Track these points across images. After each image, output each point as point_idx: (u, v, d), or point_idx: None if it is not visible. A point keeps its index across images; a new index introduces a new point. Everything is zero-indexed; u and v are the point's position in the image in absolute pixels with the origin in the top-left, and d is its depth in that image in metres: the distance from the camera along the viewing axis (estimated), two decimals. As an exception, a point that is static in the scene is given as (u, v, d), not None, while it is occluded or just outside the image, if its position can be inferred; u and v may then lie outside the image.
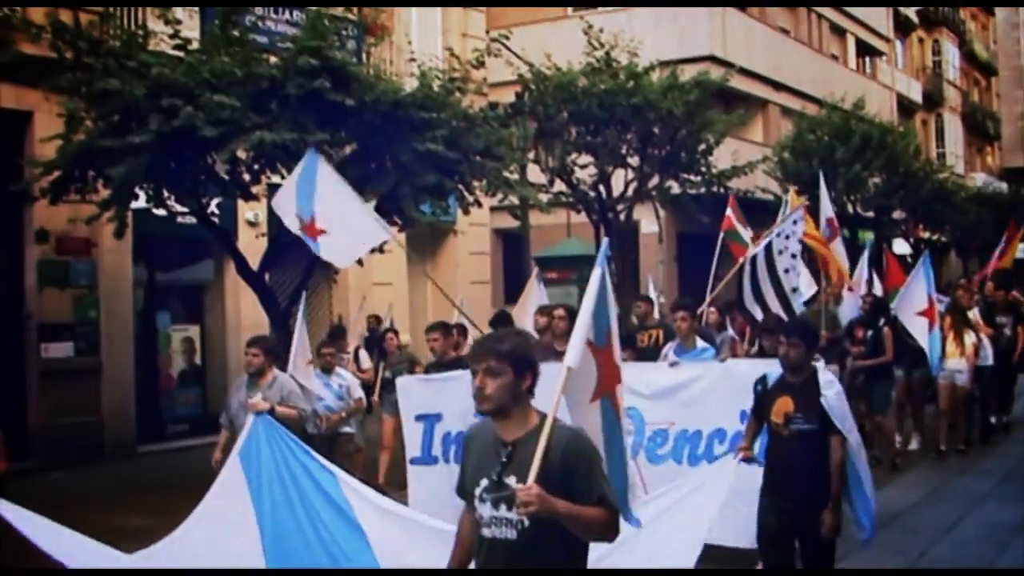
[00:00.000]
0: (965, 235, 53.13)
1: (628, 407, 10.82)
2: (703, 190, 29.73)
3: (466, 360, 12.93)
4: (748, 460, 9.77)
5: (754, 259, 17.14)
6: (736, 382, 11.55)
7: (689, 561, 8.43)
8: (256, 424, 10.07)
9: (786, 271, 16.62)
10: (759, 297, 17.26)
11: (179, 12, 18.28)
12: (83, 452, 20.56)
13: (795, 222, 17.08)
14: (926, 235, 52.69)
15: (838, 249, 21.69)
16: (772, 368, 10.04)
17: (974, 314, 21.44)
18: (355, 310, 24.22)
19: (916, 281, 18.92)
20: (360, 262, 20.34)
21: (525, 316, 19.25)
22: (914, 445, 20.42)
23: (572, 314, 12.86)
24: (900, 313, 18.70)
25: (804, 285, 19.39)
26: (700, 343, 14.04)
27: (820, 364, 9.97)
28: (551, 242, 35.35)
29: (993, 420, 22.19)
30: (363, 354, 20.87)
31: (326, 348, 16.74)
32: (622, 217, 29.14)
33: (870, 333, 19.19)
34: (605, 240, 8.18)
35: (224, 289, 24.55)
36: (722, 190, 30.51)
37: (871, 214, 42.55)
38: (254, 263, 18.68)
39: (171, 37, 17.01)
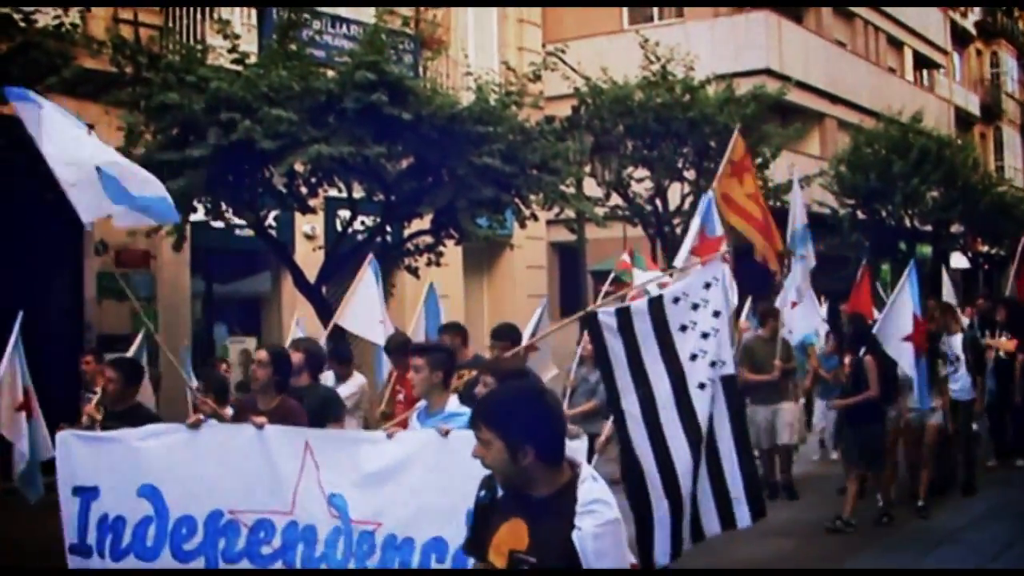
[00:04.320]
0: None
1: (333, 493, 8.59)
2: (759, 204, 29.64)
3: (147, 411, 10.99)
4: None
5: (627, 314, 9.35)
6: (461, 466, 6.98)
7: None
8: None
9: (693, 357, 9.36)
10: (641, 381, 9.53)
11: (237, 27, 18.44)
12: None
13: (707, 285, 9.52)
14: (985, 249, 52.30)
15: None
16: None
17: (956, 339, 17.70)
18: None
19: (900, 299, 15.57)
20: (417, 274, 20.40)
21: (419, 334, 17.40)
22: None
23: (277, 358, 10.22)
24: (883, 339, 15.38)
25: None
26: (452, 404, 9.13)
27: (587, 467, 5.21)
28: (607, 256, 35.23)
29: (990, 463, 19.17)
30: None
31: None
32: (678, 231, 29.10)
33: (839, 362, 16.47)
34: None
35: (281, 301, 24.67)
36: (779, 204, 30.45)
37: (929, 228, 42.30)
38: (311, 276, 18.78)
39: (229, 51, 17.17)
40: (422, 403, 9.33)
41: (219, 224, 19.10)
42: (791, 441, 17.54)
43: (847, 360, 15.87)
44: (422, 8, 26.97)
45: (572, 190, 21.20)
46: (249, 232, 19.63)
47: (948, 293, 24.49)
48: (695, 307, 9.33)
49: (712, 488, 9.37)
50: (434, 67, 25.72)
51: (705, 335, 9.31)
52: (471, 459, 6.55)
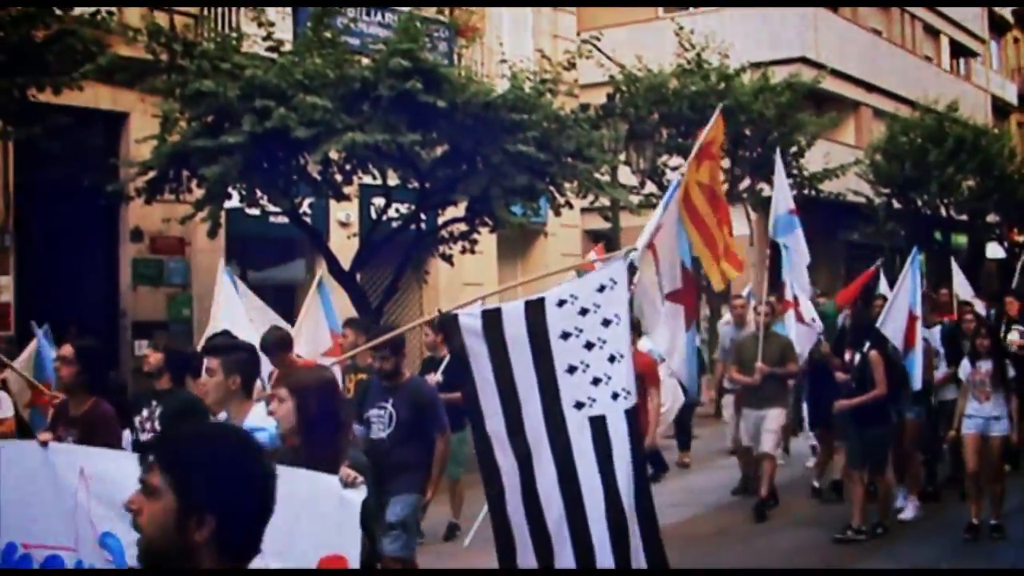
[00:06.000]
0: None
1: (106, 531, 7.09)
2: (794, 193, 29.55)
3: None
4: None
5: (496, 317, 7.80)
6: (316, 504, 6.15)
7: None
8: None
9: (571, 370, 7.70)
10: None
11: (272, 14, 18.46)
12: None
13: (601, 288, 7.85)
14: (1021, 239, 52.02)
15: (797, 251, 17.05)
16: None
17: (935, 332, 16.63)
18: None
19: (904, 289, 14.88)
20: (451, 261, 20.42)
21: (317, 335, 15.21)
22: (909, 514, 15.19)
23: (85, 354, 8.90)
24: (889, 332, 14.47)
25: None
26: (255, 416, 7.77)
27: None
28: (641, 244, 35.19)
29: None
30: (3, 397, 12.69)
31: None
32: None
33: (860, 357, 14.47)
34: None
35: (315, 288, 24.74)
36: (814, 193, 30.41)
37: (965, 217, 42.11)
38: (345, 263, 18.82)
39: (264, 39, 17.21)
40: (222, 415, 7.92)
41: (254, 211, 19.20)
42: (772, 450, 15.92)
43: (847, 357, 14.67)
44: None
45: (606, 178, 21.21)
46: (284, 219, 19.70)
47: (960, 285, 24.06)
48: (583, 312, 7.74)
49: (608, 523, 7.45)
50: (469, 55, 25.73)
51: (589, 345, 7.69)
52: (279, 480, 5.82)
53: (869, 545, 13.65)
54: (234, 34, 18.28)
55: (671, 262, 10.26)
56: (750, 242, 29.59)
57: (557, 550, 7.40)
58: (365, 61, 17.04)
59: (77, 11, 16.75)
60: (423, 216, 19.68)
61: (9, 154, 19.15)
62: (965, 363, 14.35)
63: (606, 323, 7.66)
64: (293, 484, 5.47)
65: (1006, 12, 62.58)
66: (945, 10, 51.95)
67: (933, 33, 52.43)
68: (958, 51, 55.97)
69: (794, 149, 29.02)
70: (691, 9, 39.57)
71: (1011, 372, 14.06)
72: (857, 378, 14.18)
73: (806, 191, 30.29)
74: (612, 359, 7.62)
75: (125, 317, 21.05)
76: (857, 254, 41.18)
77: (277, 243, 24.00)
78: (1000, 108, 60.28)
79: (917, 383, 14.86)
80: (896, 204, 38.54)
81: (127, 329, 20.95)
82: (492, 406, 7.59)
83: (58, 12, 16.21)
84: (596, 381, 7.60)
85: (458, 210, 19.43)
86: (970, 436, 13.98)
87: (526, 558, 7.47)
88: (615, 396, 7.55)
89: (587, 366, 7.60)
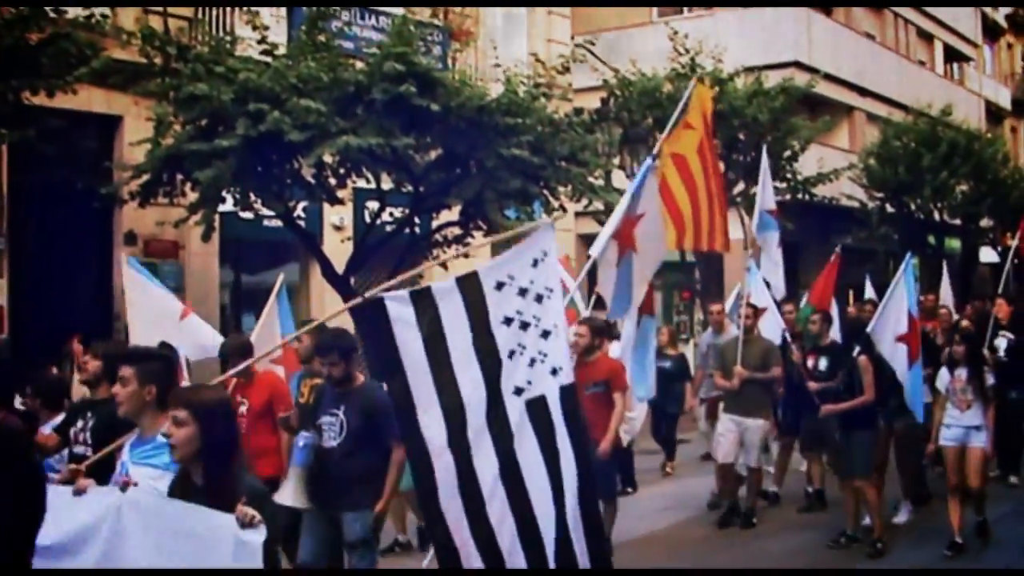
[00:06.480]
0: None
1: None
2: (788, 197, 29.60)
3: None
4: None
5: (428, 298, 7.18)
6: (156, 528, 5.99)
7: None
8: None
9: (510, 355, 7.25)
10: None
11: (266, 17, 18.46)
12: (169, 453, 20.69)
13: (535, 263, 7.61)
14: (1014, 243, 51.94)
15: (771, 254, 17.59)
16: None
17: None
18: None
19: (896, 294, 14.33)
20: (444, 265, 20.48)
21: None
22: (902, 517, 15.30)
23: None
24: (878, 338, 14.05)
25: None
26: (164, 435, 6.55)
27: None
28: (635, 248, 35.14)
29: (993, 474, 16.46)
30: None
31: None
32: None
33: (824, 362, 14.37)
34: None
35: (310, 292, 24.71)
36: (807, 197, 30.44)
37: (958, 222, 42.10)
38: (340, 267, 18.80)
39: (258, 43, 17.19)
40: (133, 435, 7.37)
41: (248, 214, 19.16)
42: (756, 464, 15.55)
43: (809, 363, 14.57)
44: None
45: (600, 182, 21.20)
46: (278, 223, 19.68)
47: (946, 290, 24.00)
48: (523, 292, 7.34)
49: (555, 513, 7.20)
50: (463, 58, 25.74)
51: (525, 326, 7.30)
52: (170, 516, 5.92)
53: (861, 549, 13.67)
54: (228, 37, 18.29)
55: (655, 258, 10.34)
56: (744, 246, 29.62)
57: (505, 546, 7.10)
58: (359, 65, 17.04)
59: (71, 14, 16.75)
60: (417, 220, 19.67)
61: (3, 157, 19.16)
62: (943, 372, 13.94)
63: (539, 299, 7.40)
64: (190, 522, 5.87)
65: (999, 17, 62.66)
66: (939, 15, 51.99)
67: (927, 38, 52.48)
68: (952, 56, 56.03)
69: (788, 153, 29.04)
70: (685, 13, 39.65)
71: (991, 380, 13.71)
72: (845, 383, 13.79)
73: (800, 195, 30.33)
74: (546, 334, 7.37)
75: (119, 320, 21.02)
76: (850, 258, 41.20)
77: (271, 247, 24.00)
78: (994, 113, 60.33)
79: (920, 393, 14.34)
80: (890, 208, 38.52)
81: (121, 333, 20.93)
82: (427, 398, 7.04)
83: (52, 15, 16.21)
84: (532, 362, 7.31)
85: (452, 214, 19.42)
86: (949, 449, 13.71)
87: (468, 557, 7.08)
88: (554, 372, 7.34)
89: (523, 348, 7.30)
